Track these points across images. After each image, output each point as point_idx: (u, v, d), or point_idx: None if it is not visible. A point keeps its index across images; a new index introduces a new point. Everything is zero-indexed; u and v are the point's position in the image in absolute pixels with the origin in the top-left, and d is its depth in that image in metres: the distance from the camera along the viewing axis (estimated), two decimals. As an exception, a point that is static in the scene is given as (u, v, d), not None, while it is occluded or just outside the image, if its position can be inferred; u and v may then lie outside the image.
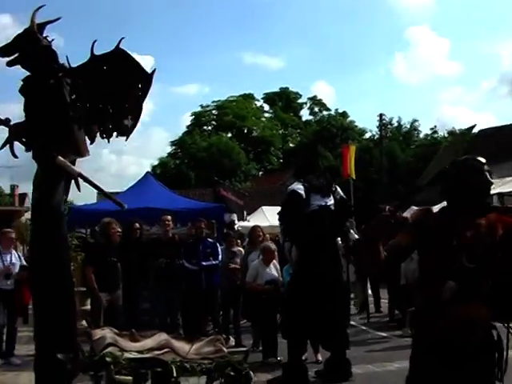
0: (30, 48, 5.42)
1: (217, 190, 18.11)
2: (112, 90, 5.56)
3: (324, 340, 7.89)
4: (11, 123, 5.57)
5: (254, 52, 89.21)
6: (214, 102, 54.39)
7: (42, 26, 5.51)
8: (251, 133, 53.62)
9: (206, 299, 10.17)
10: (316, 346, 8.50)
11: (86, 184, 5.65)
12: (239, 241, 11.52)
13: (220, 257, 10.47)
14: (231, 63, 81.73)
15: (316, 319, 7.43)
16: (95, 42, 5.45)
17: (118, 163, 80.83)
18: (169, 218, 10.64)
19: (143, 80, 5.55)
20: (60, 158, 5.35)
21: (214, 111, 54.63)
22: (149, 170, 43.98)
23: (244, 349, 9.53)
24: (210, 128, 54.11)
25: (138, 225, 10.34)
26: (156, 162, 51.16)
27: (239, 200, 18.56)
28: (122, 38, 5.44)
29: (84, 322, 10.22)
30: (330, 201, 7.71)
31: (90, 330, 5.67)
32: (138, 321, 9.61)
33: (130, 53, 5.50)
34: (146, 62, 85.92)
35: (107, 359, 4.88)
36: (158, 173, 43.32)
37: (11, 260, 9.44)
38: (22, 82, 5.54)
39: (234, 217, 16.72)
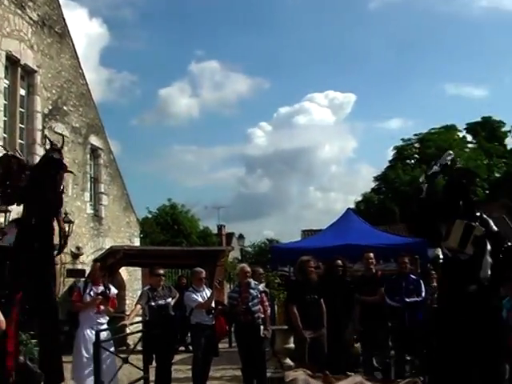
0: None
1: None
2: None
3: None
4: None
5: (457, 82, 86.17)
6: (415, 135, 53.57)
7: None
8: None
9: (409, 337, 9.75)
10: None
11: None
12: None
13: (424, 293, 10.14)
14: (434, 95, 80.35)
15: None
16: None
17: (324, 200, 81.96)
18: (371, 255, 10.52)
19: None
20: None
21: (416, 144, 53.49)
22: (353, 206, 44.18)
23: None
24: (412, 161, 52.96)
25: (340, 262, 10.03)
26: (360, 198, 51.20)
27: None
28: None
29: (288, 360, 10.34)
30: None
31: (283, 372, 5.68)
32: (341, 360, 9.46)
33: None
34: (348, 99, 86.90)
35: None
36: (362, 209, 43.09)
37: (207, 295, 9.36)
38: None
39: (439, 251, 16.06)
